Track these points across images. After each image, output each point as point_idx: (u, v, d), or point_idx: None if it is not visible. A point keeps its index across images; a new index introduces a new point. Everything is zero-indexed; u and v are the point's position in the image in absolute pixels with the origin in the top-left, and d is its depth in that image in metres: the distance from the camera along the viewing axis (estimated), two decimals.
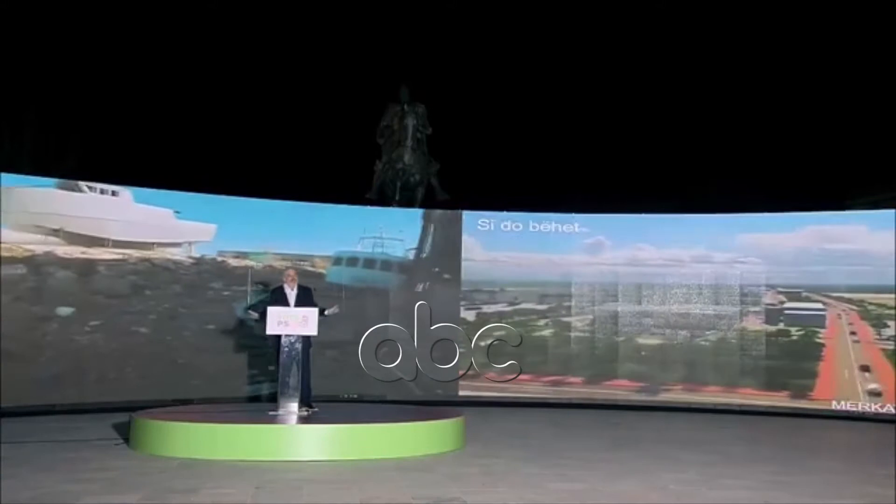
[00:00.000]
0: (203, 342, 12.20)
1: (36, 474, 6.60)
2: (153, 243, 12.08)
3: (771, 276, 12.98)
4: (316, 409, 8.78)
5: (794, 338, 12.79)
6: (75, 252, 11.48)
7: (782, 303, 12.94)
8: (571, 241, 13.61)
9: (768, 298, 12.98)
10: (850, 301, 12.60)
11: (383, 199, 14.59)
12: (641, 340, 13.31)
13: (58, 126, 17.40)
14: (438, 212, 14.12)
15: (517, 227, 13.68)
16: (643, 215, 13.59)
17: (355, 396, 12.57)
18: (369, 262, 13.36)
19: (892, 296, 12.17)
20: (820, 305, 12.74)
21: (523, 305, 13.52)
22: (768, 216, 13.11)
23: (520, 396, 13.19)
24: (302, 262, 12.75)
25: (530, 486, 6.48)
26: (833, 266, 12.65)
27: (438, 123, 14.93)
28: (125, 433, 8.38)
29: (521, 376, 13.22)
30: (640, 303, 13.33)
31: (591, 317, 13.37)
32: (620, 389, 13.17)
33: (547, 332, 13.43)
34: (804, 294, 12.87)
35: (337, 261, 13.16)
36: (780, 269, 12.93)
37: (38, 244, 11.15)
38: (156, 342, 11.92)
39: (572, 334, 13.39)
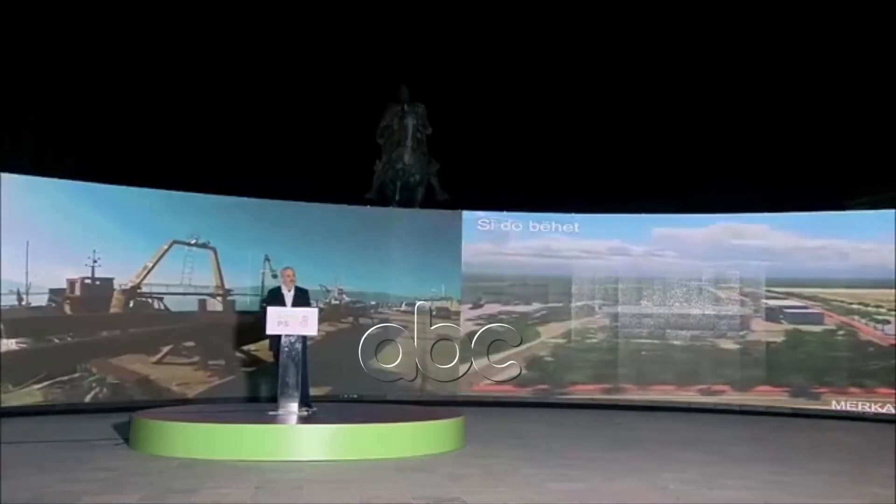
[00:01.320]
0: None
1: (36, 474, 6.59)
2: None
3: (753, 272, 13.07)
4: (314, 409, 8.79)
5: (839, 337, 12.54)
6: None
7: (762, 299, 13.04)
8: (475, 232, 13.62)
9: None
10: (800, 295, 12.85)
11: (383, 199, 14.61)
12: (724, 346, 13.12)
13: (57, 126, 17.39)
14: (435, 211, 14.19)
15: (517, 226, 13.71)
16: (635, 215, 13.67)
17: (355, 396, 12.57)
18: None
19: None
20: (800, 302, 12.83)
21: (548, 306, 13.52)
22: (686, 216, 13.61)
23: (520, 397, 13.21)
24: None
25: (530, 486, 6.48)
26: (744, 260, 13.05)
27: (438, 123, 14.94)
28: (125, 433, 8.38)
29: (666, 386, 13.08)
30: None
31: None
32: (775, 395, 12.74)
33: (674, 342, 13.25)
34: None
35: None
36: (695, 262, 13.25)
37: None
38: None
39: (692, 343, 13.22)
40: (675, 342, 13.21)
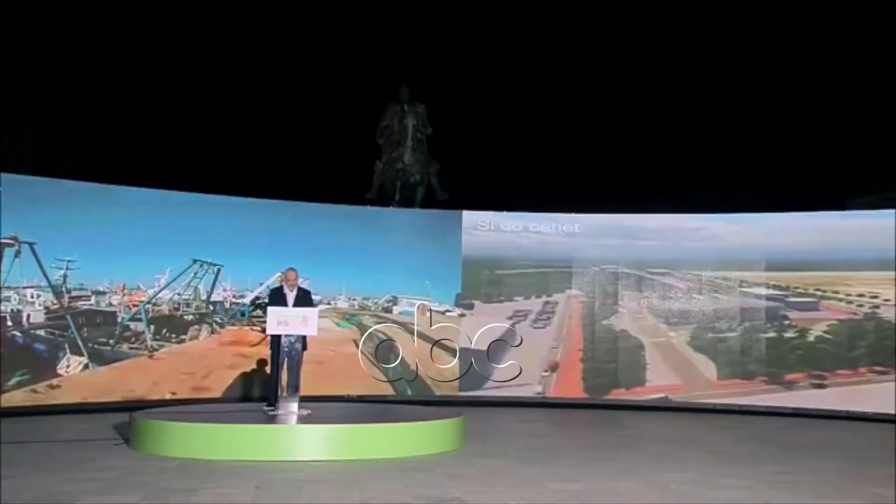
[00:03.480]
0: None
1: (36, 474, 6.59)
2: None
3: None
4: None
5: (869, 327, 12.46)
6: None
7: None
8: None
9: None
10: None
11: (383, 199, 14.61)
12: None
13: (57, 126, 17.38)
14: (435, 211, 14.19)
15: (517, 227, 13.72)
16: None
17: (355, 396, 12.57)
18: None
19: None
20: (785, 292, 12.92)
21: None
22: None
23: (520, 397, 13.21)
24: None
25: (530, 486, 6.48)
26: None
27: (438, 123, 14.94)
28: (125, 433, 8.38)
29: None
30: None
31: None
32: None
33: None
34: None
35: None
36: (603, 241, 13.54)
37: None
38: None
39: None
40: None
